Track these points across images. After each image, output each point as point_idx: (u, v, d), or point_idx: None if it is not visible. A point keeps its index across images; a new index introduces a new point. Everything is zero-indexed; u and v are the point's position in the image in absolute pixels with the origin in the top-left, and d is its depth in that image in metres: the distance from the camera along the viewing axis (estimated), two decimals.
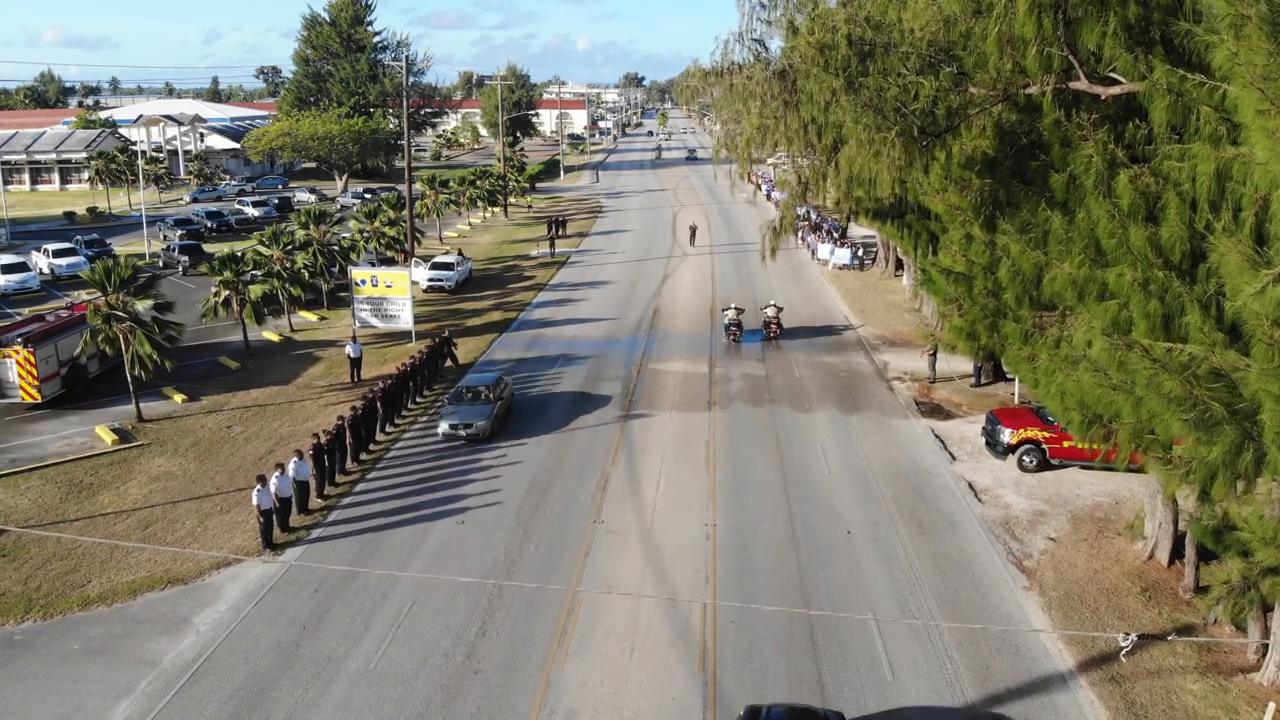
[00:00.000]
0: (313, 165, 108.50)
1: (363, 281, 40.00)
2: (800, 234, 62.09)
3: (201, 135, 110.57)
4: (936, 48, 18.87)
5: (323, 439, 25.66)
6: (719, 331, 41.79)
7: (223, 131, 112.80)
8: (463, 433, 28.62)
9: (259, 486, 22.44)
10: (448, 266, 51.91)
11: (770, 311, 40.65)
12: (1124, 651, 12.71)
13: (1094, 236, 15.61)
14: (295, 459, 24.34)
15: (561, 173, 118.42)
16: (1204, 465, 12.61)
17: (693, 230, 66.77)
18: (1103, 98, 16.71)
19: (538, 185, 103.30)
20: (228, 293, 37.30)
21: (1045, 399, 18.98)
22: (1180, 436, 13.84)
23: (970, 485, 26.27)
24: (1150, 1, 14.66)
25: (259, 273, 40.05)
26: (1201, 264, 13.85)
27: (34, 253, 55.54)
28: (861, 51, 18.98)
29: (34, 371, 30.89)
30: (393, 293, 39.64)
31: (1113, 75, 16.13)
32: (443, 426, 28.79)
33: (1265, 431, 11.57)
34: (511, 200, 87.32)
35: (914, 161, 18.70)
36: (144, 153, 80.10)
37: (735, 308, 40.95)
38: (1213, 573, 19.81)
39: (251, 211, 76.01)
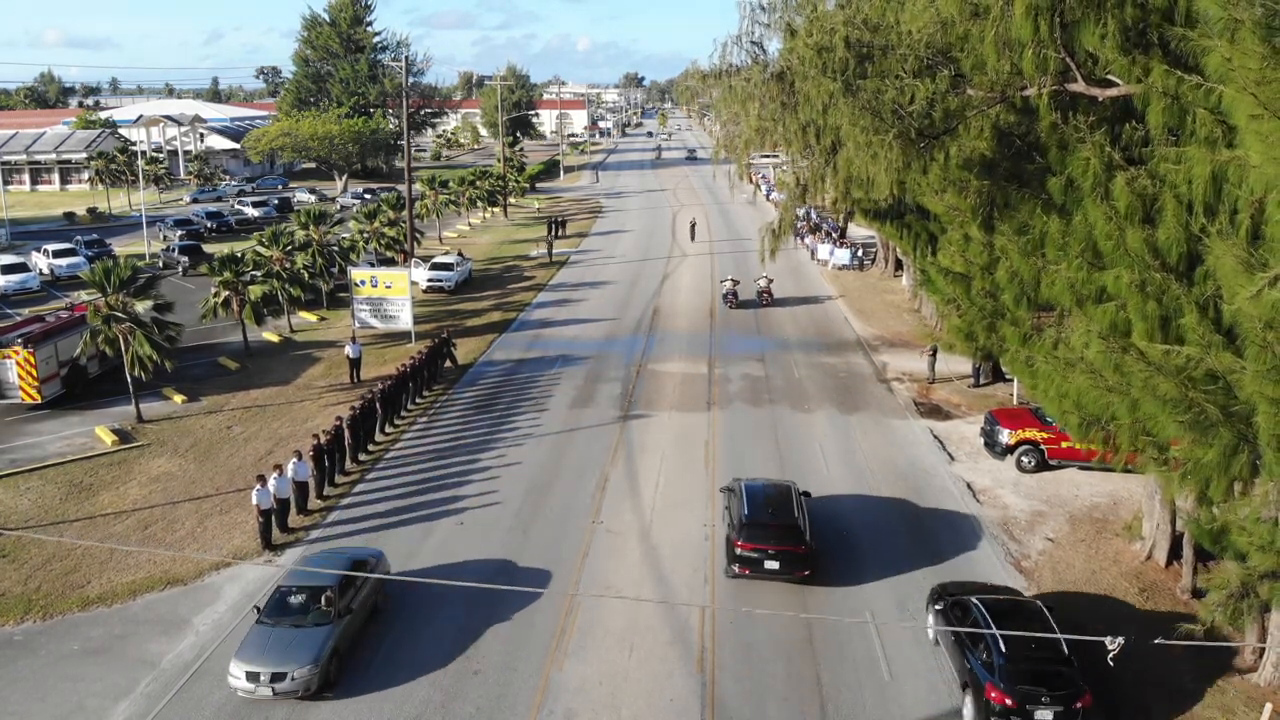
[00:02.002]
0: (312, 165, 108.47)
1: (362, 282, 40.04)
2: (800, 234, 62.22)
3: (201, 135, 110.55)
4: (934, 50, 18.90)
5: (322, 439, 25.69)
6: (719, 332, 42.04)
7: (222, 132, 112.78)
8: (269, 689, 16.61)
9: (258, 487, 22.48)
10: (447, 267, 51.94)
11: (762, 283, 47.44)
12: (1110, 655, 12.75)
13: (1091, 239, 15.65)
14: (294, 459, 24.39)
15: (561, 173, 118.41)
16: (1199, 468, 12.66)
17: (693, 226, 69.27)
18: (1100, 99, 16.75)
19: (538, 185, 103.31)
20: (227, 293, 37.34)
21: (1043, 401, 19.03)
22: (1176, 438, 13.89)
23: (969, 486, 26.32)
24: (1147, 4, 14.68)
25: (259, 273, 40.03)
26: (1199, 266, 13.89)
27: (34, 253, 55.53)
28: (859, 54, 19.01)
29: (34, 372, 30.93)
30: (392, 293, 39.67)
31: (1109, 77, 16.17)
32: (236, 674, 16.76)
33: (1260, 434, 11.61)
34: (512, 201, 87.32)
35: (911, 164, 18.72)
36: (144, 153, 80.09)
37: (733, 279, 48.13)
38: (1211, 573, 19.85)
39: (251, 212, 76.01)
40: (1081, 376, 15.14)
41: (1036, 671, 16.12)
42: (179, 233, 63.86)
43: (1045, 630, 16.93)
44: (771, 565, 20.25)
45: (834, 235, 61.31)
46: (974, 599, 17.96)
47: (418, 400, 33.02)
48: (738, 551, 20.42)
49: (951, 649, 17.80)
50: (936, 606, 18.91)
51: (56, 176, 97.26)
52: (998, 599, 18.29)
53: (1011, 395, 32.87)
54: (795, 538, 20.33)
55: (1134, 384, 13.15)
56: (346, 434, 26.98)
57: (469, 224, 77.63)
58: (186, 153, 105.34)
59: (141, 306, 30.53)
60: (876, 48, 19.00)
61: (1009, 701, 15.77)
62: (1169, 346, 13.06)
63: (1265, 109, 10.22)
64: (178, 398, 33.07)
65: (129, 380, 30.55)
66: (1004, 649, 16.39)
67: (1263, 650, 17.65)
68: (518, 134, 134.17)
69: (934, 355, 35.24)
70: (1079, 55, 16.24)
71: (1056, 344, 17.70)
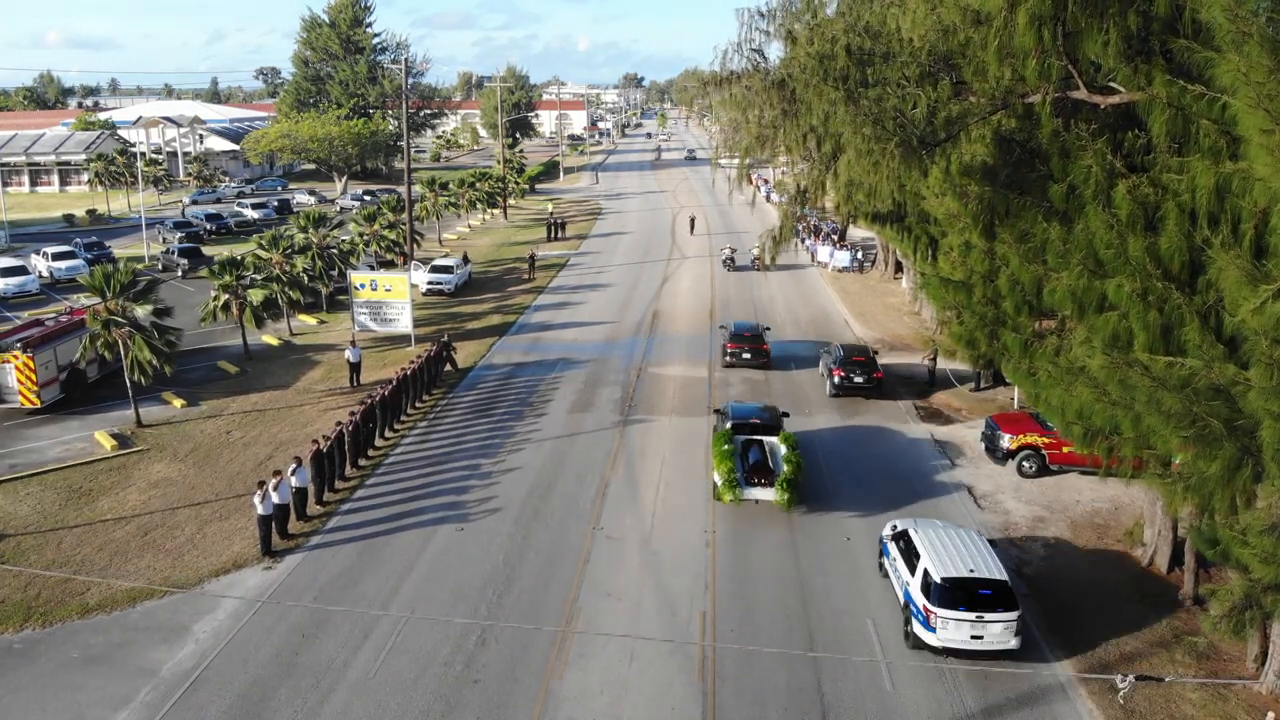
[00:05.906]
0: (312, 167, 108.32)
1: (362, 285, 39.97)
2: (800, 237, 62.15)
3: (201, 137, 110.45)
4: (935, 57, 18.85)
5: (322, 444, 25.64)
6: (719, 334, 41.93)
7: (222, 133, 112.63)
8: None
9: (258, 492, 22.43)
10: (447, 269, 51.88)
11: (755, 250, 52.08)
12: (1121, 694, 12.78)
13: (1092, 247, 15.61)
14: (294, 465, 24.34)
15: (561, 174, 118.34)
16: (1203, 481, 12.61)
17: (692, 220, 72.98)
18: (1102, 107, 16.71)
19: (537, 187, 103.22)
20: (227, 297, 37.28)
21: (1046, 411, 18.99)
22: (1180, 449, 13.84)
23: (970, 491, 26.28)
24: (1150, 13, 14.64)
25: (258, 276, 39.99)
26: (1201, 275, 13.84)
27: (33, 255, 55.42)
28: (860, 61, 18.95)
29: (33, 376, 30.86)
30: (392, 296, 39.60)
31: (1112, 85, 16.13)
32: None
33: (1264, 448, 11.56)
34: (512, 203, 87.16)
35: (913, 170, 18.67)
36: (143, 154, 79.99)
37: (731, 247, 57.77)
38: (1213, 580, 19.83)
39: (251, 214, 75.90)
40: (1084, 389, 15.08)
41: (856, 363, 33.32)
42: (178, 235, 63.74)
43: (869, 358, 33.86)
44: (746, 356, 36.65)
45: (834, 238, 61.26)
46: (835, 344, 36.04)
47: (417, 405, 32.96)
48: (728, 349, 36.85)
49: (824, 368, 34.57)
50: (819, 352, 36.88)
51: (55, 178, 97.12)
52: (848, 344, 36.77)
53: (1012, 399, 32.82)
54: (760, 342, 36.98)
55: (1137, 398, 13.10)
56: (346, 439, 26.92)
57: (469, 226, 77.55)
58: (186, 154, 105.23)
59: (141, 311, 30.47)
60: (877, 55, 18.94)
61: (842, 373, 33.00)
62: (1172, 359, 13.00)
63: (1277, 124, 10.14)
64: (177, 402, 33.01)
65: (128, 385, 30.50)
66: (841, 354, 33.91)
67: (1265, 657, 17.61)
68: (517, 135, 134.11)
69: (935, 359, 35.19)
70: (1081, 63, 16.20)
71: (1058, 351, 17.65)
